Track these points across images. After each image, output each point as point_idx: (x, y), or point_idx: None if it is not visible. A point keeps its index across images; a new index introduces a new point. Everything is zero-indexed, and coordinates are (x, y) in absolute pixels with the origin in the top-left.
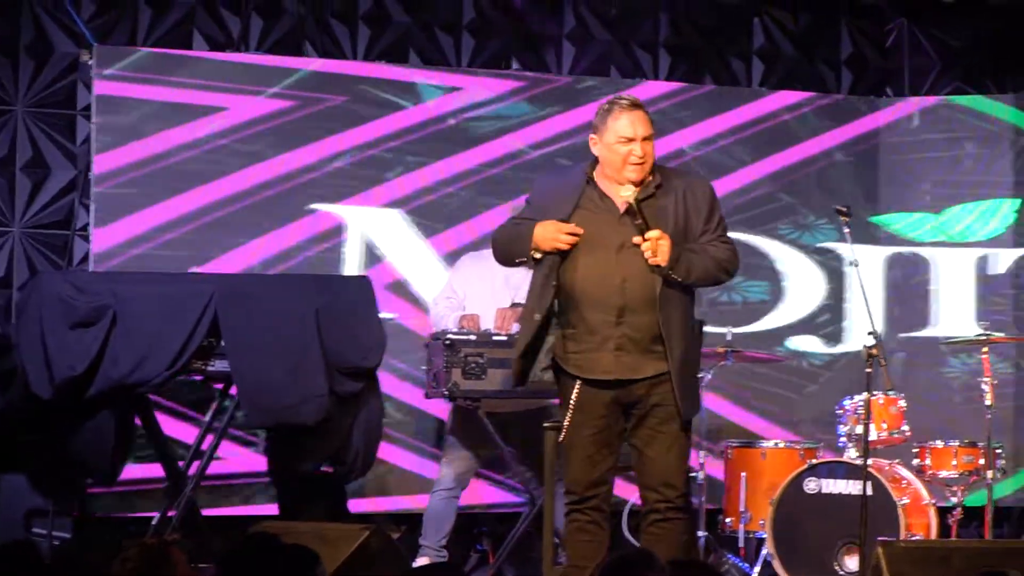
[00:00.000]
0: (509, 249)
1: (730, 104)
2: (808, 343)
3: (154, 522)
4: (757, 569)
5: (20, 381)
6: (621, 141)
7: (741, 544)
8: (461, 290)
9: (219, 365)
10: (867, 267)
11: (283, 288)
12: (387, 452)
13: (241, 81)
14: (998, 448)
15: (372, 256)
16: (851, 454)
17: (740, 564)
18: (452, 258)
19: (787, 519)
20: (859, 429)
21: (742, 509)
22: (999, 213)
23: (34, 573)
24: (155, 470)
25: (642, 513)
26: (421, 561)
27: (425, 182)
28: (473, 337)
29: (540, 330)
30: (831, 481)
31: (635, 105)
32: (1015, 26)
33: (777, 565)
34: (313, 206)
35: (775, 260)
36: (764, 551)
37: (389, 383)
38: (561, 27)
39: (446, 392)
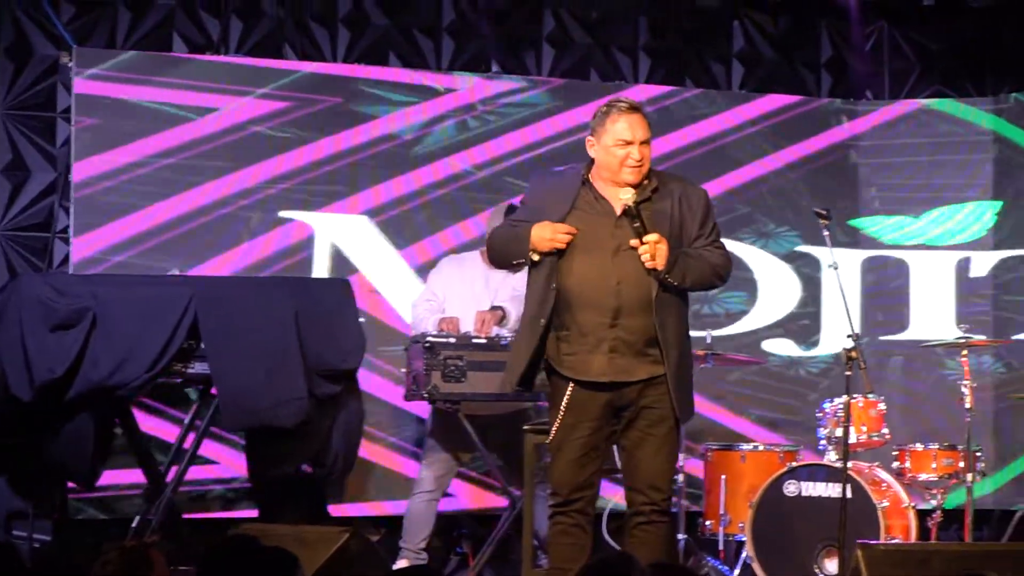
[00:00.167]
0: (506, 251)
1: (709, 110)
2: (785, 346)
3: (134, 524)
4: (737, 572)
5: (0, 384)
6: (619, 144)
7: (721, 547)
8: (441, 292)
9: (199, 368)
10: (845, 271)
11: (262, 291)
12: (370, 452)
13: (224, 84)
14: (978, 451)
15: (348, 266)
16: (831, 457)
17: (720, 567)
18: (425, 270)
19: (767, 522)
20: (839, 432)
21: (722, 512)
22: (979, 216)
23: None
24: (136, 475)
25: (627, 515)
26: (401, 564)
27: (399, 192)
28: (453, 340)
29: (544, 335)
30: (811, 484)
31: (634, 108)
32: (994, 29)
33: (757, 568)
34: (285, 214)
35: (751, 268)
36: (744, 554)
37: (372, 382)
38: (541, 30)
39: (426, 395)
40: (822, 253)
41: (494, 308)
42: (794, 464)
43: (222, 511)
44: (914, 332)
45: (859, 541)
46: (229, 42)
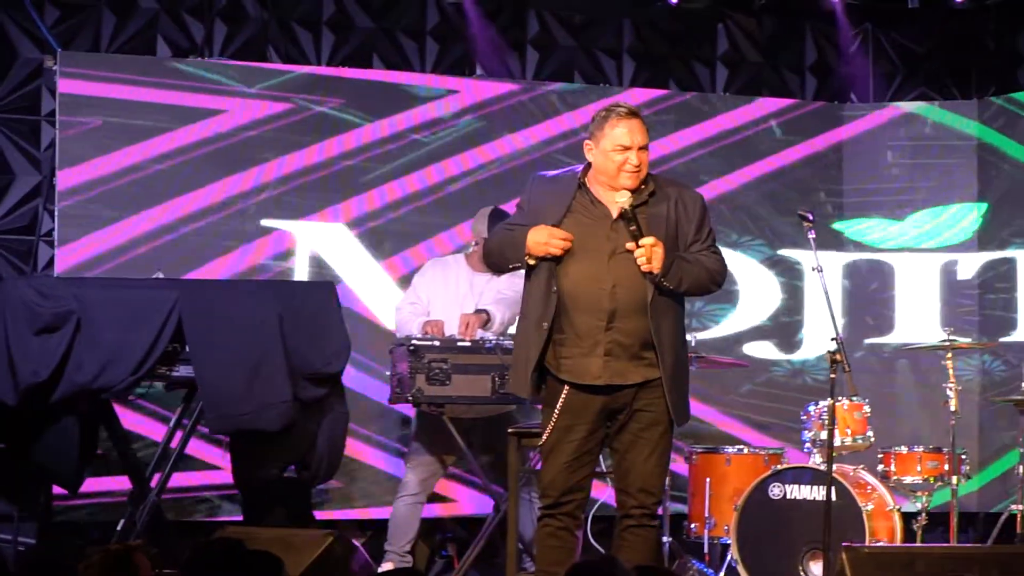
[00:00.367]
0: (503, 255)
1: (695, 116)
2: (767, 349)
3: (119, 527)
4: (722, 575)
5: None
6: (617, 149)
7: (706, 550)
8: (425, 295)
9: (183, 371)
10: (828, 273)
11: (247, 294)
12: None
13: (209, 86)
14: (963, 454)
15: (330, 275)
16: (816, 460)
17: (705, 570)
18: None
19: (752, 525)
20: (824, 435)
21: (707, 515)
22: (964, 218)
23: None
24: (121, 482)
25: (616, 517)
26: (386, 567)
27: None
28: (437, 343)
29: (549, 338)
30: (796, 487)
31: (632, 113)
32: (978, 31)
33: (742, 571)
34: (267, 223)
35: (734, 274)
36: (729, 557)
37: (360, 381)
38: (525, 33)
39: (410, 398)
40: (806, 256)
41: (479, 311)
42: (779, 467)
43: (207, 515)
44: (899, 335)
45: (844, 544)
46: (213, 45)
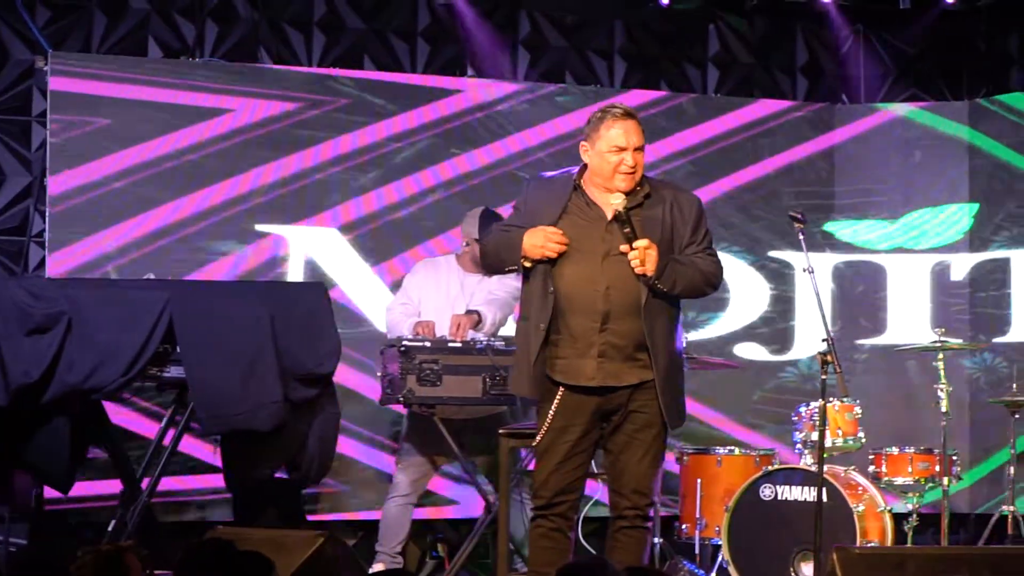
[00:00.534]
0: (499, 257)
1: (690, 118)
2: (757, 351)
3: (110, 528)
4: (713, 575)
5: None
6: (613, 150)
7: (697, 551)
8: (416, 296)
9: (174, 371)
10: (819, 275)
11: (238, 295)
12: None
13: (201, 87)
14: (953, 455)
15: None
16: (807, 461)
17: (696, 571)
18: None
19: (743, 526)
20: (815, 436)
21: (698, 516)
22: (955, 219)
23: None
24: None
25: (609, 518)
26: (377, 567)
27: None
28: (428, 344)
29: (547, 340)
30: (787, 488)
31: (628, 114)
32: (969, 32)
33: (733, 572)
34: (261, 228)
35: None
36: (720, 558)
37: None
38: (516, 33)
39: (401, 399)
40: (797, 257)
41: (469, 312)
42: (770, 468)
43: (198, 515)
44: (891, 336)
45: (835, 545)
46: (204, 46)
